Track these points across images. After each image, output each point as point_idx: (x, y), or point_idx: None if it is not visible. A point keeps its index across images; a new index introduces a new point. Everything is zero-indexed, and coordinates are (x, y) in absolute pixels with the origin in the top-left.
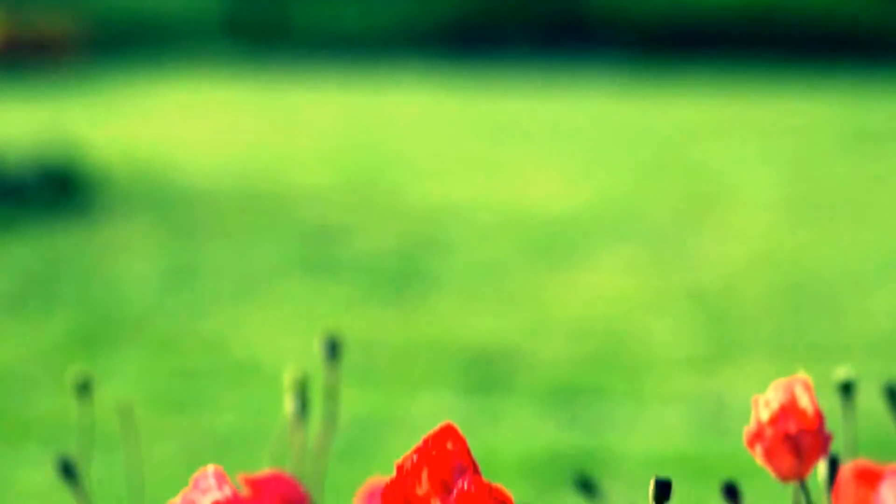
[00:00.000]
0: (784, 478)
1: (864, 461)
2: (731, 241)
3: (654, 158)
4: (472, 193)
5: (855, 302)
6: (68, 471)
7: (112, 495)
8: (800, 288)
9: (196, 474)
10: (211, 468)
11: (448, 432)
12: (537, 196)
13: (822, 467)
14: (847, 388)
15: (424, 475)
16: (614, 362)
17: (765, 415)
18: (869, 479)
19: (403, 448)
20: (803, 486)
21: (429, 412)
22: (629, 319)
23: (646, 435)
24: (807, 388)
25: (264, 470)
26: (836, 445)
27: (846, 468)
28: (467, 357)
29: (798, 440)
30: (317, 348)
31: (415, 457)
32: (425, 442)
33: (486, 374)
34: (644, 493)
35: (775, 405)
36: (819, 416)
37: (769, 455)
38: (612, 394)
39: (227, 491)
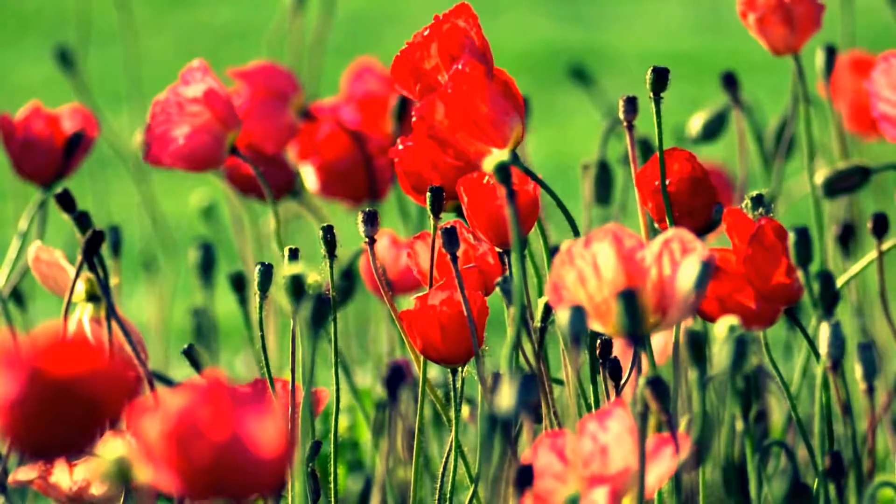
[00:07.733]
0: (777, 51)
1: (861, 52)
2: None
3: None
4: None
5: None
6: (66, 59)
7: (111, 90)
8: None
9: (183, 69)
10: (196, 62)
11: (462, 9)
12: None
13: (819, 57)
14: None
15: (434, 48)
16: None
17: None
18: (866, 69)
19: (400, 45)
20: (800, 72)
21: (429, 8)
22: None
23: (644, 33)
24: None
25: (257, 61)
26: (834, 37)
27: (843, 59)
28: None
29: (791, 8)
30: None
31: (426, 31)
32: (436, 17)
33: None
34: (642, 89)
35: None
36: None
37: (762, 25)
38: None
39: (212, 82)
